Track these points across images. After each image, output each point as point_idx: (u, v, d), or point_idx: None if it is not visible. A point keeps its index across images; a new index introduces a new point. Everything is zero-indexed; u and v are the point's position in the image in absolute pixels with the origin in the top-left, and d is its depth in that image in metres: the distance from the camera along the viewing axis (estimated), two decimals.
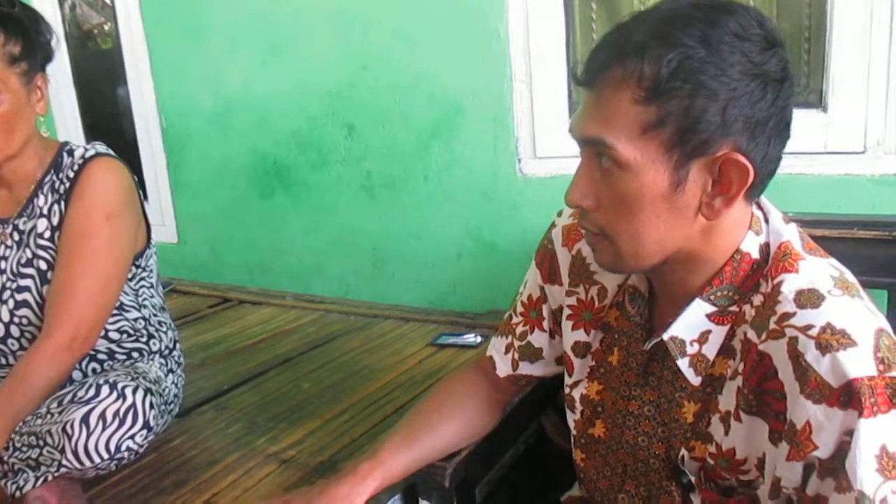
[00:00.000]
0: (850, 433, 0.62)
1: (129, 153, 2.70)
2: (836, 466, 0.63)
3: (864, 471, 0.61)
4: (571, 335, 0.92)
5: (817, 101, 1.59)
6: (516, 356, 1.00)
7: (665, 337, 0.76)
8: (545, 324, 0.98)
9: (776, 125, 0.68)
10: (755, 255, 0.73)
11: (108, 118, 3.00)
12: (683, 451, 0.79)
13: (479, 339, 1.90)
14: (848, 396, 0.61)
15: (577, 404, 0.92)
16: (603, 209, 0.73)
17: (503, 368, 1.01)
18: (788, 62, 0.68)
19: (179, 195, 2.75)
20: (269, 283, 2.58)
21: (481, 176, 2.05)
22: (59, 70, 2.78)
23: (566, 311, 0.92)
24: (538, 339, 0.99)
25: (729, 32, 0.65)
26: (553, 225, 0.97)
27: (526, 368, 1.00)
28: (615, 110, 0.68)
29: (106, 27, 2.92)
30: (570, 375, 0.93)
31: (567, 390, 0.94)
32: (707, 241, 0.73)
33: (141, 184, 1.38)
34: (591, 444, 0.91)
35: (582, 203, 0.74)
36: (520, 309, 1.00)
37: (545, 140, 1.95)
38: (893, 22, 1.46)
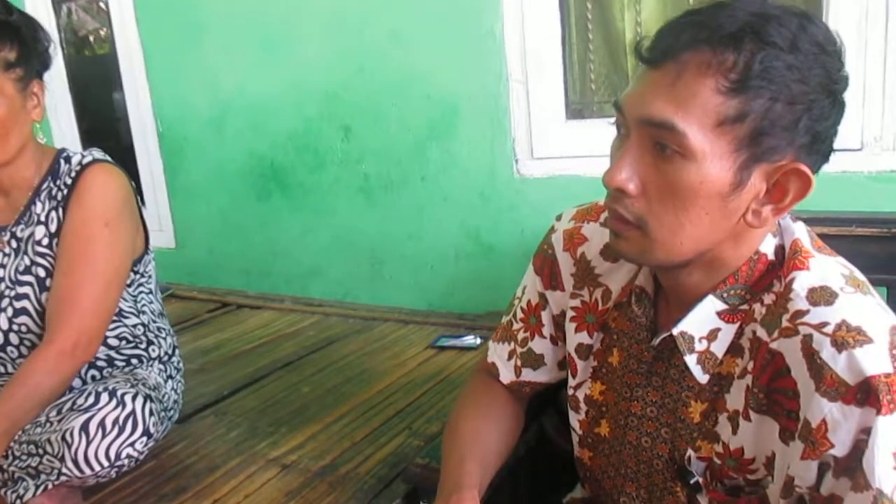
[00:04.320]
0: (866, 431, 0.61)
1: (125, 158, 2.70)
2: (852, 465, 0.62)
3: (882, 469, 0.61)
4: (575, 337, 0.91)
5: None
6: (519, 363, 0.99)
7: (675, 332, 0.76)
8: (545, 330, 0.97)
9: (830, 145, 0.68)
10: (771, 256, 0.73)
11: (104, 123, 3.00)
12: (690, 452, 0.78)
13: (478, 340, 1.90)
14: (865, 394, 0.61)
15: (582, 405, 0.91)
16: (647, 196, 0.69)
17: (506, 375, 1.00)
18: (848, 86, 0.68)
19: (176, 200, 2.74)
20: (268, 286, 2.58)
21: (478, 177, 2.05)
22: (55, 76, 2.77)
23: (570, 314, 0.92)
24: (539, 345, 0.98)
25: (815, 43, 0.64)
26: (553, 229, 0.95)
27: (529, 375, 0.99)
28: (694, 95, 0.64)
29: (102, 33, 2.91)
30: (574, 377, 0.92)
31: (571, 391, 0.93)
32: (735, 246, 0.72)
33: (138, 189, 1.38)
34: (597, 443, 0.91)
35: (626, 186, 0.69)
36: (520, 315, 0.99)
37: (542, 141, 1.95)
38: (889, 19, 1.46)
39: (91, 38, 3.00)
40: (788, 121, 0.64)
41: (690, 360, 0.76)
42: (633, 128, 0.69)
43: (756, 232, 0.71)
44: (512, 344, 1.00)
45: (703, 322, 0.75)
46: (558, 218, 0.95)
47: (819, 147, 0.67)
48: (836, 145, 0.70)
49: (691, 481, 0.79)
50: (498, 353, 1.01)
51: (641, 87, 0.68)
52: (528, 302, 0.98)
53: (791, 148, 0.65)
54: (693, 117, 0.64)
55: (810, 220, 0.95)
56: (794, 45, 0.63)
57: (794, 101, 0.63)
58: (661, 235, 0.70)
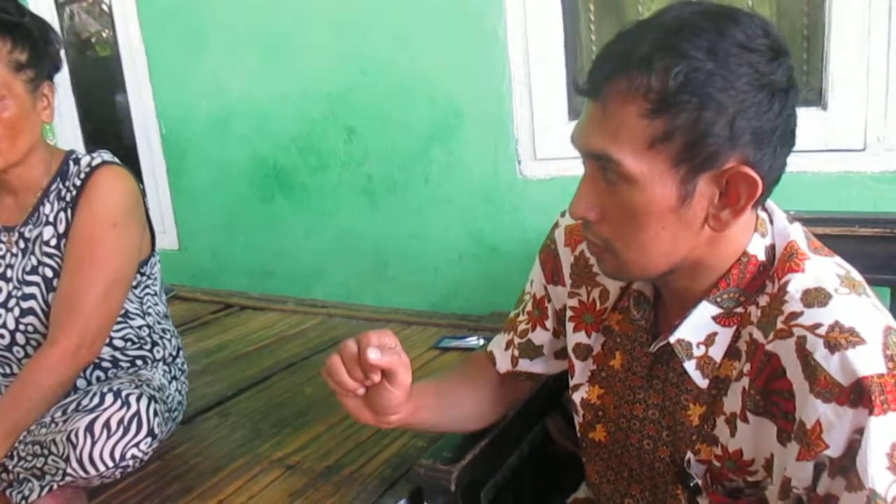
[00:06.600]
0: (860, 431, 0.61)
1: (128, 160, 2.68)
2: (846, 465, 0.63)
3: (875, 469, 0.61)
4: (573, 336, 0.92)
5: (817, 98, 1.59)
6: (516, 353, 1.00)
7: (672, 339, 0.76)
8: (548, 322, 0.98)
9: (783, 134, 0.67)
10: (761, 257, 0.73)
11: (107, 125, 3.00)
12: (689, 454, 0.78)
13: (481, 341, 1.90)
14: (858, 395, 0.61)
15: (579, 408, 0.92)
16: (608, 221, 0.72)
17: (503, 364, 1.02)
18: (793, 70, 0.67)
19: (180, 201, 2.75)
20: (271, 287, 2.58)
21: (482, 178, 2.05)
22: (58, 78, 2.78)
23: (568, 312, 0.93)
24: (539, 336, 0.99)
25: (736, 44, 0.63)
26: (556, 225, 0.97)
27: (525, 365, 1.00)
28: (621, 123, 0.66)
29: (104, 34, 2.92)
30: (572, 378, 0.93)
31: (570, 392, 0.94)
32: (713, 248, 0.72)
33: (142, 191, 1.39)
34: (591, 448, 0.91)
35: (587, 215, 0.73)
36: (528, 308, 1.00)
37: (545, 142, 1.95)
38: (892, 18, 1.46)
39: (94, 41, 3.01)
40: (721, 126, 0.64)
41: (689, 366, 0.76)
42: (584, 159, 0.73)
43: (729, 232, 0.72)
44: (511, 334, 1.01)
45: (699, 328, 0.75)
46: (563, 214, 0.97)
47: (769, 140, 0.67)
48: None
49: (691, 484, 0.79)
50: (497, 343, 1.03)
51: (583, 121, 0.72)
52: (534, 295, 0.99)
53: (733, 150, 0.66)
54: (624, 144, 0.67)
55: (813, 221, 0.95)
56: (713, 52, 0.63)
57: (723, 107, 0.64)
58: (628, 255, 0.72)
